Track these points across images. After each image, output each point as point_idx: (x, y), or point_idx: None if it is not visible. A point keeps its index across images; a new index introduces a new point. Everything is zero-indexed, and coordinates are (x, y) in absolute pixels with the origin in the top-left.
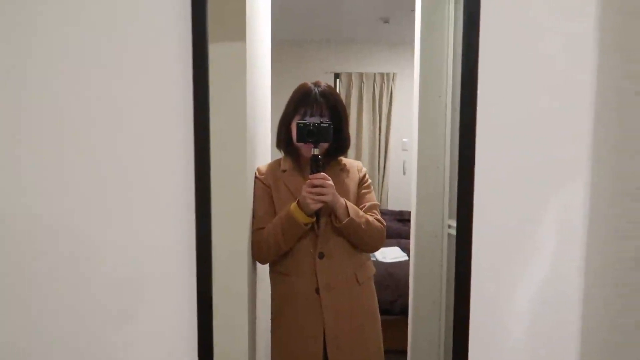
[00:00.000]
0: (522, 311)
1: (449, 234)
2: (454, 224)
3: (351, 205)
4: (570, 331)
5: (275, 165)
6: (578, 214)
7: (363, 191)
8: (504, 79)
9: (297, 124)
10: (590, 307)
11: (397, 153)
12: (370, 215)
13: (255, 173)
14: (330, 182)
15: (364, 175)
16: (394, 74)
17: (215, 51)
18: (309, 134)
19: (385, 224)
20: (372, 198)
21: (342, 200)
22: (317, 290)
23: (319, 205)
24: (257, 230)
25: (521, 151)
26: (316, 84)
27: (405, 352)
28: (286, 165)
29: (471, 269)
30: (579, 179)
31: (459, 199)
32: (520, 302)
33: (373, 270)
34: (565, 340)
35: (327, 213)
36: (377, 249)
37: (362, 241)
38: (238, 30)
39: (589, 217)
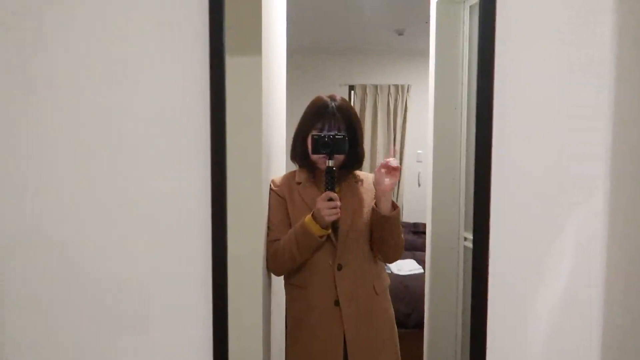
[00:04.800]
0: (541, 324)
1: (465, 247)
2: (470, 236)
3: (394, 201)
4: (590, 345)
5: (290, 177)
6: (597, 225)
7: None
8: (521, 89)
9: (312, 135)
10: (612, 319)
11: (412, 165)
12: None
13: (270, 185)
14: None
15: None
16: (408, 86)
17: (231, 64)
18: (324, 146)
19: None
20: None
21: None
22: (337, 302)
23: (333, 218)
24: (271, 242)
25: (539, 162)
26: (332, 98)
27: None
28: (301, 177)
29: (488, 283)
30: (598, 189)
31: (476, 211)
32: (539, 315)
33: (388, 280)
34: (586, 353)
35: (346, 225)
36: (396, 258)
37: (393, 241)
38: (254, 44)
39: (609, 228)
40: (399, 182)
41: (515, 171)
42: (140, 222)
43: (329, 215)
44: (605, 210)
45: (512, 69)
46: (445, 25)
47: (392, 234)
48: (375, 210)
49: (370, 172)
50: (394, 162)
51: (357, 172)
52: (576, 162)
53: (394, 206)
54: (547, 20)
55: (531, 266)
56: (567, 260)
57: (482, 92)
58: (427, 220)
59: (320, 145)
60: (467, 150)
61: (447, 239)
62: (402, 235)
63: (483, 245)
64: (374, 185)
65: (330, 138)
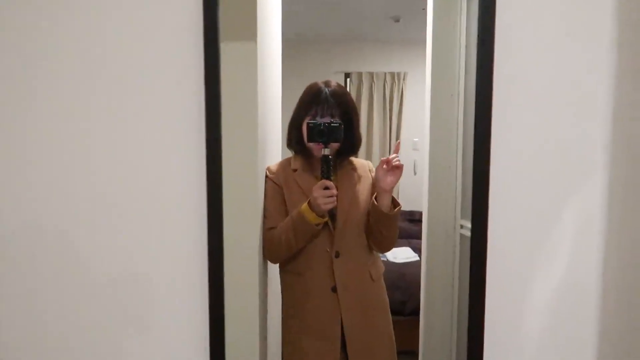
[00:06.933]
0: (539, 312)
1: (461, 234)
2: (466, 224)
3: (395, 198)
4: (587, 332)
5: (285, 164)
6: (595, 213)
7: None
8: (520, 76)
9: (308, 123)
10: (608, 308)
11: (408, 153)
12: None
13: (266, 172)
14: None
15: None
16: (404, 73)
17: (226, 50)
18: (319, 134)
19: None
20: None
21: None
22: (334, 289)
23: (330, 207)
24: (268, 229)
25: (537, 150)
26: (327, 84)
27: (415, 353)
28: (297, 164)
29: (486, 271)
30: (596, 179)
31: (474, 199)
32: (537, 304)
33: (383, 268)
34: (583, 341)
35: (343, 212)
36: (389, 249)
37: (389, 235)
38: (249, 30)
39: (607, 216)
40: None
41: (514, 158)
42: (136, 213)
43: (325, 204)
44: (604, 198)
45: (511, 55)
46: (442, 11)
47: (389, 230)
48: (375, 206)
49: (366, 159)
50: (397, 160)
51: (353, 159)
52: (575, 149)
53: (395, 203)
54: (547, 6)
55: (529, 253)
56: (565, 248)
57: (481, 79)
58: (424, 208)
59: (316, 134)
60: (464, 138)
61: (444, 226)
62: (397, 229)
63: (481, 232)
64: (375, 181)
65: (326, 126)
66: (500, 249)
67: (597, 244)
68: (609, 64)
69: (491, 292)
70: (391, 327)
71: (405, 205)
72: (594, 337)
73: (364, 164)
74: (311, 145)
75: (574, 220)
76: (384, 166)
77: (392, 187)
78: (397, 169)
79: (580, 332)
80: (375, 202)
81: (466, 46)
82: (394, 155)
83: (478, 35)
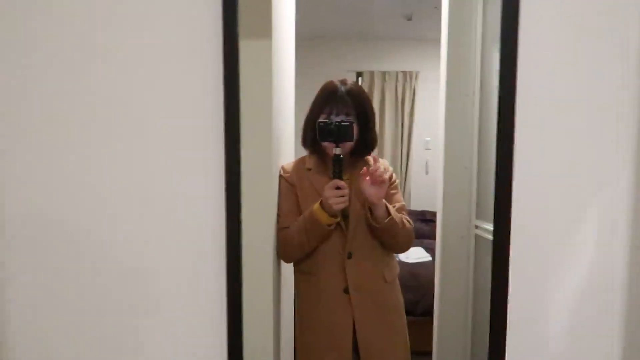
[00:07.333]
0: (562, 315)
1: (476, 235)
2: (481, 224)
3: (389, 205)
4: (611, 334)
5: (299, 164)
6: (620, 214)
7: (392, 192)
8: (543, 75)
9: (318, 122)
10: (633, 310)
11: (420, 152)
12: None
13: (280, 171)
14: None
15: (391, 176)
16: (416, 72)
17: (241, 49)
18: (329, 133)
19: (412, 224)
20: (400, 199)
21: (382, 200)
22: (346, 290)
23: (341, 207)
24: (281, 229)
25: (562, 150)
26: (342, 82)
27: (427, 354)
28: (311, 163)
29: (509, 272)
30: (622, 179)
31: (497, 201)
32: (560, 306)
33: (398, 268)
34: (608, 345)
35: (356, 213)
36: (406, 250)
37: (396, 242)
38: (264, 29)
39: (632, 216)
40: (406, 169)
41: (537, 159)
42: (156, 212)
43: (337, 204)
44: (628, 198)
45: (535, 55)
46: (457, 9)
47: (392, 237)
48: (367, 218)
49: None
50: (381, 174)
51: (369, 158)
52: (599, 148)
53: (388, 213)
54: (571, 4)
55: (552, 255)
56: (589, 248)
57: (504, 79)
58: (438, 208)
59: (326, 133)
60: (479, 137)
61: (458, 227)
62: (410, 226)
63: (504, 234)
64: (361, 192)
65: (336, 125)
66: (522, 250)
67: (621, 245)
68: (635, 62)
69: (513, 294)
70: (406, 329)
71: (417, 205)
72: (619, 341)
73: (381, 162)
74: (326, 144)
75: (598, 221)
76: (367, 179)
77: (380, 199)
78: (382, 182)
79: (606, 336)
80: (370, 214)
81: (482, 44)
82: (375, 167)
83: (501, 34)
